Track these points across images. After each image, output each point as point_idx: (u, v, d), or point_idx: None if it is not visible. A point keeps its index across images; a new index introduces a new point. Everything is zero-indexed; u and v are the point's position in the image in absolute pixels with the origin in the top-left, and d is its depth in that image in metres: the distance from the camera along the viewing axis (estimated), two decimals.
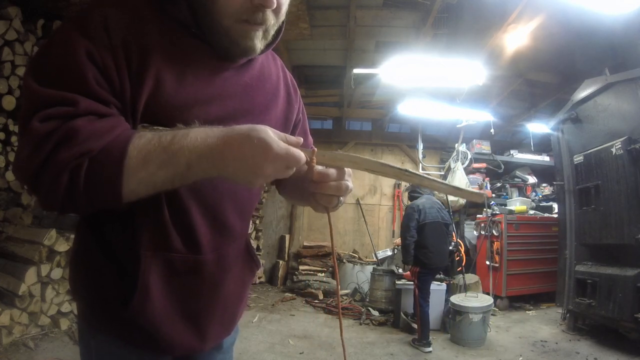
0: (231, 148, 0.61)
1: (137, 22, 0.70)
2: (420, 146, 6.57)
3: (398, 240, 6.53)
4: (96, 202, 0.64)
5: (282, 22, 0.80)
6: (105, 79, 0.66)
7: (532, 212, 5.88)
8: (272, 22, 0.74)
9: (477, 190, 0.81)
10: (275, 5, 0.70)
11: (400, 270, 4.89)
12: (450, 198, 5.66)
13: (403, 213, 7.09)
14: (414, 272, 3.98)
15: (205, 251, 0.81)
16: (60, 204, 0.63)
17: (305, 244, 6.92)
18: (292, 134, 0.95)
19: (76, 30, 0.66)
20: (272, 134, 0.62)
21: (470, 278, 5.07)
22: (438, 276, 4.49)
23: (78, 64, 0.64)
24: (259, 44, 0.75)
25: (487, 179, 6.28)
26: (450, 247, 4.40)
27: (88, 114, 0.63)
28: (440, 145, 7.27)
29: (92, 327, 0.83)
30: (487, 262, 5.42)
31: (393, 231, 7.13)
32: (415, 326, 3.96)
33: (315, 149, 0.69)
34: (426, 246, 3.92)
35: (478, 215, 5.99)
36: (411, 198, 4.40)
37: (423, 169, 6.79)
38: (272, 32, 0.77)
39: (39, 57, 0.69)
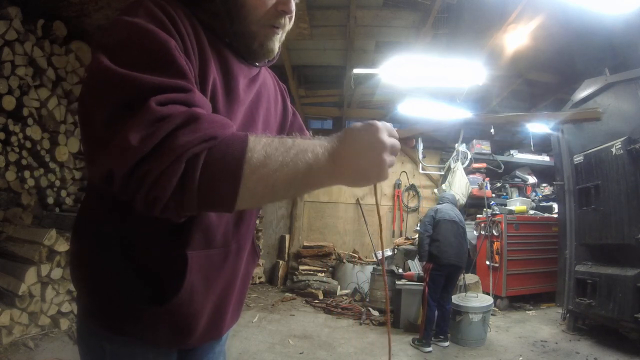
0: (347, 141, 0.64)
1: (192, 29, 0.71)
2: (420, 146, 6.55)
3: (398, 240, 6.54)
4: (209, 200, 0.58)
5: None
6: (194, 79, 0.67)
7: (532, 212, 5.88)
8: (287, 27, 0.85)
9: (589, 110, 0.82)
10: (293, 13, 0.81)
11: (400, 270, 4.89)
12: None
13: (403, 214, 7.16)
14: (426, 269, 3.97)
15: (230, 242, 0.85)
16: (165, 199, 0.56)
17: (305, 244, 6.92)
18: (288, 132, 1.03)
19: (152, 24, 0.63)
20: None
21: (470, 278, 5.07)
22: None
23: (175, 58, 0.62)
24: (277, 46, 0.85)
25: (487, 179, 6.28)
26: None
27: (201, 107, 0.61)
28: (440, 145, 7.26)
29: (108, 329, 0.78)
30: (487, 262, 5.42)
31: (393, 231, 7.13)
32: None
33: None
34: (438, 239, 3.92)
35: (478, 215, 6.00)
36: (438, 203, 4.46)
37: (423, 169, 6.79)
38: (284, 37, 0.86)
39: (118, 44, 0.61)
